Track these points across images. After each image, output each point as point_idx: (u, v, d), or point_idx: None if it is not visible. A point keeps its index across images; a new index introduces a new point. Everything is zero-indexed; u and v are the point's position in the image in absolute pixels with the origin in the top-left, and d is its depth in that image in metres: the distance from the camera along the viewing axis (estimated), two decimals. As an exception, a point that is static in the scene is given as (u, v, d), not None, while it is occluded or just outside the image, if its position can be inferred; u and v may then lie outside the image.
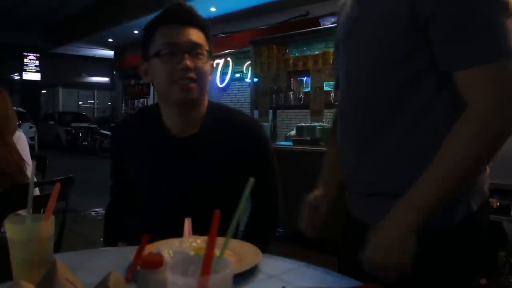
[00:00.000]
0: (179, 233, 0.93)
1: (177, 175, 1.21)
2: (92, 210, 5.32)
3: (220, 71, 10.72)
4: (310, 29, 4.41)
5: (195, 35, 1.16)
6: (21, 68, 20.58)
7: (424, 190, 0.83)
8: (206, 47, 1.18)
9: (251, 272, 0.84)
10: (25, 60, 20.53)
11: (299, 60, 4.30)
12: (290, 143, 4.21)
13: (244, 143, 1.23)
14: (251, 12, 9.46)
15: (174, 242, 0.89)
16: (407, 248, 0.82)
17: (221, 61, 10.61)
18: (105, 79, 20.68)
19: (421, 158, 0.89)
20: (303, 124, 4.44)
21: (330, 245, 1.12)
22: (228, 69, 10.59)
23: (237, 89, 10.70)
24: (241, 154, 1.22)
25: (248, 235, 1.21)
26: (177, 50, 1.13)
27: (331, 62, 3.98)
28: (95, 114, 22.09)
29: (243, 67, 10.07)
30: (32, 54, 20.53)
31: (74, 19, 15.08)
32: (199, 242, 0.89)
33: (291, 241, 3.63)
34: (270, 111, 4.63)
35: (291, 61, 4.37)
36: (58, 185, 0.80)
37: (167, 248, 0.83)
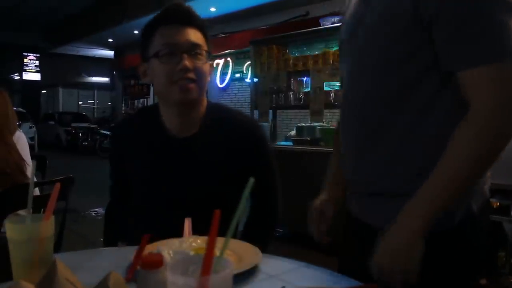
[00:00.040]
0: (179, 233, 0.93)
1: (177, 175, 1.21)
2: (92, 210, 5.32)
3: (220, 71, 10.72)
4: (310, 29, 4.41)
5: (194, 35, 1.16)
6: (21, 68, 20.57)
7: (430, 192, 0.82)
8: (205, 47, 1.18)
9: (251, 272, 0.84)
10: (25, 60, 20.52)
11: (299, 60, 4.30)
12: (290, 143, 4.21)
13: (243, 143, 1.23)
14: (251, 12, 9.45)
15: (174, 242, 0.89)
16: (414, 254, 0.82)
17: (221, 61, 10.60)
18: (105, 79, 20.69)
19: (421, 158, 0.89)
20: (303, 124, 4.45)
21: (330, 245, 1.11)
22: (228, 69, 10.59)
23: (237, 89, 10.69)
24: (240, 154, 1.22)
25: (248, 235, 1.21)
26: (176, 50, 1.13)
27: (331, 62, 3.98)
28: (95, 114, 22.09)
29: (243, 67, 10.06)
30: (32, 54, 20.52)
31: (74, 19, 15.08)
32: (199, 242, 0.89)
33: (291, 241, 3.63)
34: (270, 111, 4.63)
35: (291, 61, 4.38)
36: (58, 185, 0.80)
37: (167, 248, 0.83)
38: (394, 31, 0.87)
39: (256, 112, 4.62)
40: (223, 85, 10.80)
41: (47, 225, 0.75)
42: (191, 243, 0.89)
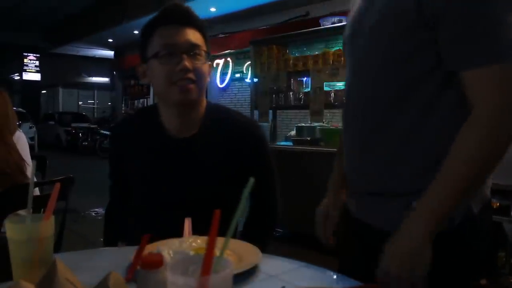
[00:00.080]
0: (179, 233, 0.93)
1: (177, 175, 1.21)
2: (92, 210, 5.32)
3: (220, 71, 10.72)
4: (310, 29, 4.42)
5: (193, 36, 1.15)
6: (21, 68, 20.57)
7: (436, 196, 0.81)
8: (204, 48, 1.17)
9: (251, 272, 0.84)
10: (25, 60, 20.52)
11: (299, 60, 4.30)
12: (290, 143, 4.22)
13: (243, 143, 1.23)
14: (251, 12, 9.45)
15: (174, 242, 0.89)
16: (422, 259, 0.80)
17: (221, 61, 10.60)
18: (105, 79, 20.69)
19: (422, 159, 0.89)
20: (303, 124, 4.45)
21: (336, 246, 1.11)
22: (228, 69, 10.58)
23: (237, 89, 10.69)
24: (239, 155, 1.22)
25: (247, 235, 1.21)
26: (175, 51, 1.13)
27: (331, 62, 3.99)
28: (95, 114, 22.09)
29: (243, 67, 10.07)
30: (32, 54, 20.52)
31: (74, 19, 15.08)
32: (199, 242, 0.89)
33: (291, 241, 3.64)
34: (270, 111, 4.63)
35: (291, 61, 4.38)
36: (58, 185, 0.80)
37: (167, 248, 0.83)
38: (397, 31, 0.86)
39: (256, 112, 4.62)
40: (223, 85, 10.80)
41: (47, 225, 0.75)
42: (191, 243, 0.89)
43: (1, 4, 14.13)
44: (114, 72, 16.75)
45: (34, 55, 20.52)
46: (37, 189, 2.01)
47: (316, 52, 4.24)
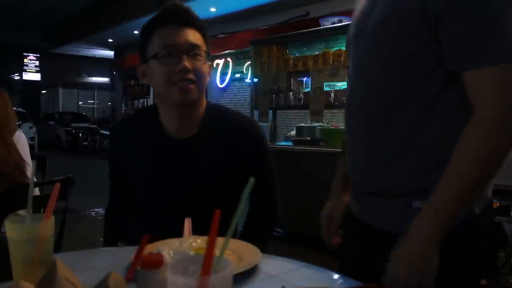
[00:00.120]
0: (179, 233, 0.93)
1: (177, 176, 1.21)
2: (92, 210, 5.32)
3: (220, 71, 10.72)
4: (310, 29, 4.42)
5: (193, 36, 1.15)
6: (21, 68, 20.57)
7: (442, 198, 0.81)
8: (204, 48, 1.17)
9: (251, 272, 0.84)
10: (25, 60, 20.52)
11: (299, 60, 4.30)
12: (290, 144, 4.22)
13: (242, 143, 1.23)
14: (251, 12, 9.45)
15: (174, 242, 0.89)
16: (430, 263, 0.80)
17: (221, 61, 10.60)
18: (105, 79, 20.68)
19: (422, 159, 0.88)
20: (303, 125, 4.45)
21: (340, 246, 1.11)
22: (228, 69, 10.58)
23: (237, 89, 10.69)
24: (239, 155, 1.22)
25: (246, 235, 1.21)
26: (175, 51, 1.12)
27: (331, 62, 3.99)
28: (95, 114, 22.09)
29: (243, 67, 10.06)
30: (32, 54, 20.52)
31: (74, 19, 15.08)
32: (199, 242, 0.89)
33: (291, 241, 3.64)
34: (270, 111, 4.63)
35: (291, 61, 4.38)
36: (58, 185, 0.80)
37: (167, 248, 0.84)
38: (400, 31, 0.86)
39: (256, 112, 4.62)
40: (223, 85, 10.80)
41: (47, 225, 0.75)
42: (191, 243, 0.89)
43: (1, 4, 14.13)
44: (114, 72, 16.75)
45: (34, 55, 20.53)
46: (37, 189, 2.01)
47: (316, 52, 4.24)
